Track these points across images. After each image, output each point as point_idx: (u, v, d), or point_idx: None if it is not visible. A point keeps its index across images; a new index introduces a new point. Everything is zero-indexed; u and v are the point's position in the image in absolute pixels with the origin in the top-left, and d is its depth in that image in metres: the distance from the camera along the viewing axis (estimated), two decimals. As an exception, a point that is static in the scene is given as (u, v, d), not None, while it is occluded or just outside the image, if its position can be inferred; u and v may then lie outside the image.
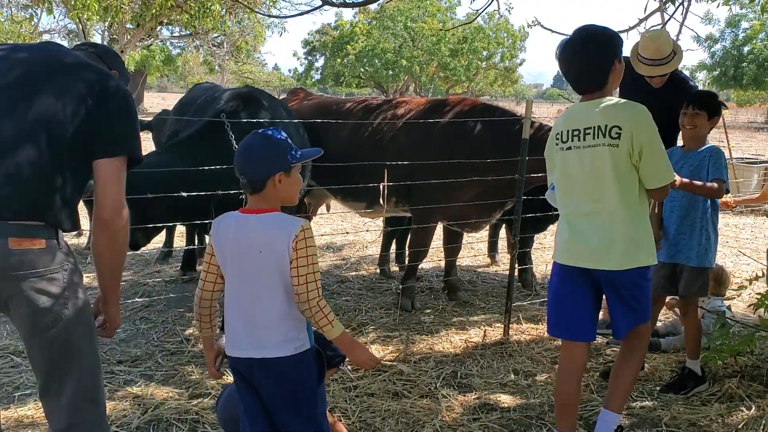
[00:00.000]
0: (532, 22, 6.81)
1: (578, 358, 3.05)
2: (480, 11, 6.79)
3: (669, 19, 5.48)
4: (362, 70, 33.90)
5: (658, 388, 3.88)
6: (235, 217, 2.36)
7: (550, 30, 6.47)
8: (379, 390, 3.81)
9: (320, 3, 4.88)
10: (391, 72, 33.18)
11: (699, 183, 3.60)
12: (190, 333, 4.71)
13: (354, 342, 2.49)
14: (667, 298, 5.21)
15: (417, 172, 4.95)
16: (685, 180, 3.47)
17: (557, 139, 2.94)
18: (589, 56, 2.81)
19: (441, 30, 27.22)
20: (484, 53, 32.97)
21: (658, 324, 4.80)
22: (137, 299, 5.31)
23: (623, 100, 2.87)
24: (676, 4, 4.98)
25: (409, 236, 5.67)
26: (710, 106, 3.82)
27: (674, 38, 4.32)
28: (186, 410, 3.54)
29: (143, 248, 7.15)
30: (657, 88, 4.21)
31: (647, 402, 3.73)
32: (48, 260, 2.11)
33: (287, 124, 4.65)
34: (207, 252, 2.43)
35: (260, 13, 12.59)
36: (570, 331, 3.03)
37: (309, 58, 38.53)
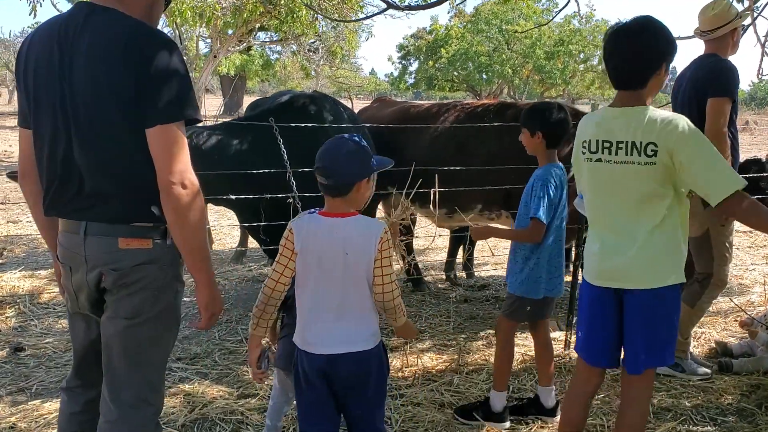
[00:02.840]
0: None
1: (593, 384, 2.85)
2: (557, 12, 6.62)
3: (757, 16, 5.12)
4: (455, 73, 33.70)
5: (724, 414, 3.63)
6: (317, 219, 2.43)
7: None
8: (425, 400, 3.75)
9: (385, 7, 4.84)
10: (484, 75, 32.81)
11: (503, 228, 3.58)
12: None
13: (410, 326, 2.71)
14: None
15: (515, 176, 4.81)
16: (480, 226, 3.50)
17: (584, 147, 2.68)
18: (641, 43, 2.53)
19: (520, 32, 26.51)
20: (581, 56, 32.02)
21: (733, 343, 4.49)
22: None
23: (663, 113, 2.56)
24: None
25: None
26: (528, 122, 3.39)
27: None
28: (232, 410, 3.59)
29: (219, 248, 7.44)
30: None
31: (709, 427, 3.48)
32: (149, 256, 2.18)
33: (349, 129, 4.65)
34: (284, 254, 2.45)
35: (330, 18, 12.71)
36: (595, 356, 2.80)
37: (403, 62, 38.70)
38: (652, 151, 2.47)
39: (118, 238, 2.15)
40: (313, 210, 2.50)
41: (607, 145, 2.58)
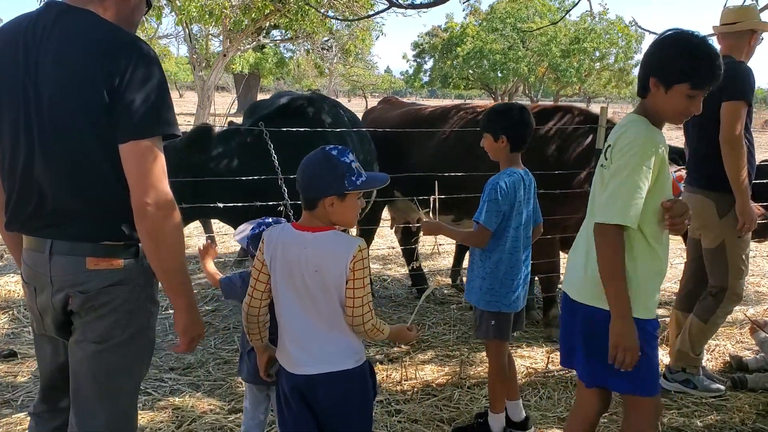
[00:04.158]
0: (630, 22, 6.45)
1: (591, 407, 2.66)
2: (569, 10, 6.44)
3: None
4: (470, 71, 33.47)
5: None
6: (288, 232, 2.30)
7: (647, 31, 6.14)
8: (423, 416, 3.60)
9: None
10: (499, 73, 32.55)
11: (455, 229, 3.39)
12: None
13: (400, 332, 2.54)
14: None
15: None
16: (433, 222, 3.29)
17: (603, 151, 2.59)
18: (649, 50, 2.41)
19: (533, 30, 26.22)
20: (597, 54, 31.65)
21: (748, 357, 4.29)
22: (206, 307, 5.33)
23: (634, 117, 2.41)
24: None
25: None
26: (490, 126, 3.20)
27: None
28: (221, 426, 3.46)
29: (223, 251, 7.31)
30: None
31: (721, 451, 3.31)
32: (119, 277, 2.04)
33: (349, 134, 4.50)
34: (255, 267, 2.33)
35: (333, 17, 12.60)
36: (563, 359, 2.67)
37: (418, 60, 38.56)
38: (610, 153, 2.39)
39: (86, 258, 2.00)
40: (283, 219, 2.36)
41: (607, 148, 2.48)
